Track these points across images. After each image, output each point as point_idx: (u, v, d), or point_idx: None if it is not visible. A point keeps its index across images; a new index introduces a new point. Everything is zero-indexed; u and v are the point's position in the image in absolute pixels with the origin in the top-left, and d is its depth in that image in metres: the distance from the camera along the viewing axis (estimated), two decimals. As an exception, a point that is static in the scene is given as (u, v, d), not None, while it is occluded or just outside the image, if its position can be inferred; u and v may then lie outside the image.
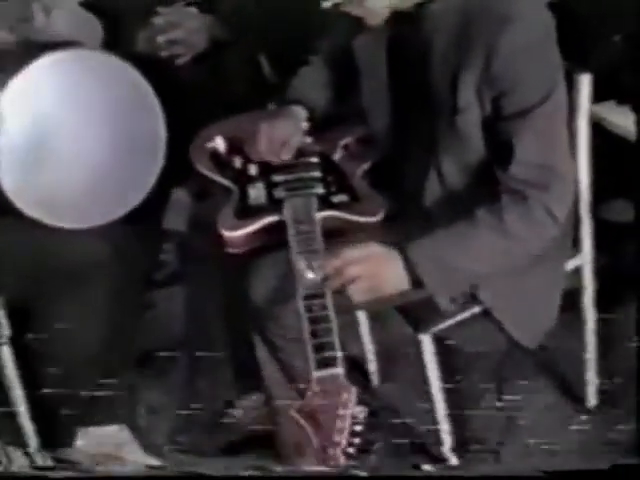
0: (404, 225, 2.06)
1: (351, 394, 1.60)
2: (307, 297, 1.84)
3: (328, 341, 1.73)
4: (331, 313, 1.81)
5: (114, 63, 2.31)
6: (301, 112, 2.32)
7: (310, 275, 1.88)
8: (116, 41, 2.56)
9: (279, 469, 1.68)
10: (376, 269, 1.91)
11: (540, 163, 1.96)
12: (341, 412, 1.56)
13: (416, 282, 1.93)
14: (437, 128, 2.04)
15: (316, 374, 1.68)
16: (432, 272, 1.92)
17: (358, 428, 1.56)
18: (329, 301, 1.83)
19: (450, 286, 1.99)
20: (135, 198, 2.32)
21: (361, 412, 1.58)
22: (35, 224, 2.22)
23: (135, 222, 2.34)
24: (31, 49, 2.29)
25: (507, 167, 1.97)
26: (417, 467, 2.17)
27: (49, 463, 2.32)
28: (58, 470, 2.27)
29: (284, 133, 2.26)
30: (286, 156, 2.25)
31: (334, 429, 1.54)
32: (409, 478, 1.73)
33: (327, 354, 1.70)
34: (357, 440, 1.54)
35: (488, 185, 2.00)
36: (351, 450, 1.53)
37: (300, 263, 1.92)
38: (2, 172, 2.17)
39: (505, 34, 1.91)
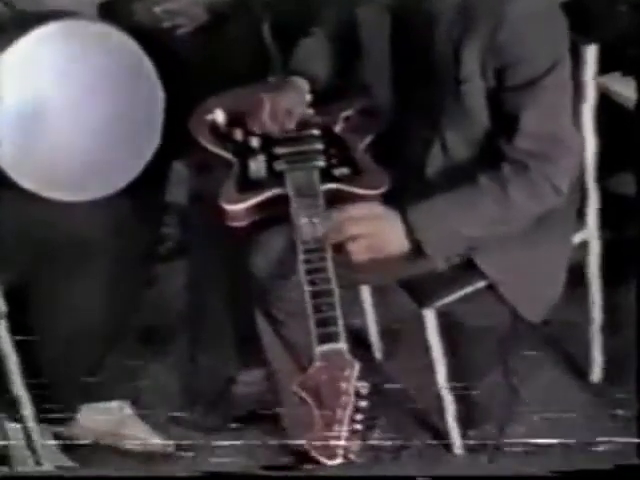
0: (406, 198, 2.04)
1: (354, 369, 1.59)
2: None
3: (331, 315, 1.71)
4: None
5: (111, 33, 2.29)
6: (303, 84, 2.30)
7: (310, 230, 1.89)
8: (114, 11, 2.54)
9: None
10: (376, 228, 1.91)
11: (544, 134, 1.96)
12: (344, 387, 1.55)
13: (415, 244, 1.93)
14: (441, 99, 2.03)
15: (319, 349, 1.66)
16: (430, 234, 1.93)
17: (361, 404, 1.54)
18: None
19: (447, 248, 1.99)
20: (133, 170, 2.30)
21: (364, 388, 1.56)
22: (33, 197, 2.19)
23: (136, 195, 2.33)
24: (27, 21, 2.25)
25: (510, 138, 1.96)
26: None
27: (50, 440, 2.32)
28: (65, 471, 2.26)
29: (287, 103, 2.24)
30: (289, 126, 2.23)
31: (337, 405, 1.53)
32: (410, 478, 1.72)
33: (330, 329, 1.69)
34: (360, 416, 1.52)
35: (491, 157, 1.99)
36: (354, 426, 1.51)
37: (301, 219, 1.92)
38: (-1, 145, 2.16)
39: (512, 2, 1.89)
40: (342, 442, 1.49)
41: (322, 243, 1.87)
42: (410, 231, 1.92)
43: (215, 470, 1.54)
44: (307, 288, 1.78)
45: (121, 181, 2.29)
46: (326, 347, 1.66)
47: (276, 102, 2.23)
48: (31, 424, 1.92)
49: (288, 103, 2.24)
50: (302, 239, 1.88)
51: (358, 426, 1.51)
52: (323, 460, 1.49)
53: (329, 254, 1.84)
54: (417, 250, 1.94)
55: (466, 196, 1.97)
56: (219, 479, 1.53)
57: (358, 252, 1.89)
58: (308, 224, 1.91)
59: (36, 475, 1.76)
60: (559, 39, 1.97)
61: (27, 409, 1.90)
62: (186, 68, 2.59)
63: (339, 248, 1.88)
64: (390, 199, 2.03)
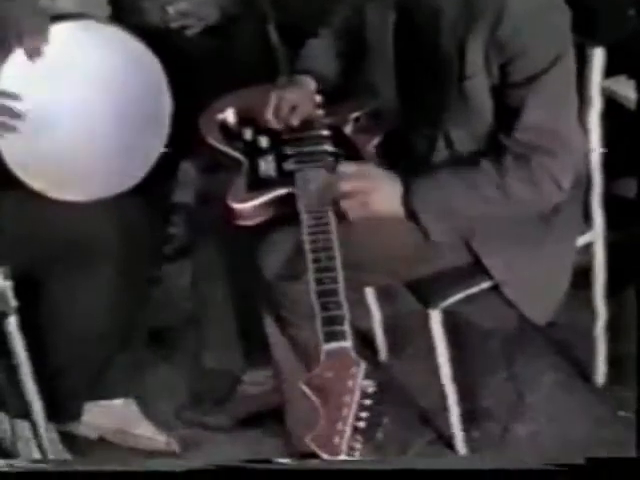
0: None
1: (360, 368, 1.59)
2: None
3: (338, 314, 1.72)
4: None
5: (119, 34, 2.28)
6: (311, 83, 2.31)
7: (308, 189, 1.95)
8: (124, 11, 2.55)
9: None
10: (370, 185, 1.97)
11: (545, 128, 1.97)
12: (349, 385, 1.55)
13: (410, 213, 1.97)
14: (445, 96, 2.03)
15: (325, 347, 1.66)
16: (425, 202, 1.97)
17: (366, 402, 1.54)
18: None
19: (440, 220, 2.00)
20: (140, 171, 2.29)
21: (369, 386, 1.56)
22: (41, 197, 2.20)
23: (143, 195, 2.33)
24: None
25: (511, 131, 1.97)
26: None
27: (54, 435, 2.32)
28: (70, 464, 2.27)
29: (293, 99, 2.25)
30: (295, 121, 2.24)
31: (342, 403, 1.53)
32: (413, 473, 1.72)
33: (336, 327, 1.69)
34: (365, 414, 1.53)
35: (496, 153, 2.00)
36: (359, 424, 1.52)
37: (300, 181, 1.98)
38: (6, 144, 2.15)
39: None
40: (345, 439, 1.49)
41: (322, 207, 1.91)
42: (408, 199, 1.97)
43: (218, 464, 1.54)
44: (314, 287, 1.79)
45: (128, 181, 2.28)
46: (332, 345, 1.66)
47: (282, 98, 2.24)
48: (39, 420, 1.93)
49: (294, 99, 2.25)
50: (304, 207, 1.92)
51: (362, 424, 1.52)
52: (326, 457, 1.50)
53: (337, 254, 1.85)
54: (410, 218, 1.97)
55: (466, 175, 2.00)
56: (222, 472, 1.53)
57: (352, 209, 1.93)
58: (305, 185, 1.97)
59: (39, 470, 1.76)
60: (562, 33, 1.97)
61: (35, 405, 1.90)
62: (196, 68, 2.60)
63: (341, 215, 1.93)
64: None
